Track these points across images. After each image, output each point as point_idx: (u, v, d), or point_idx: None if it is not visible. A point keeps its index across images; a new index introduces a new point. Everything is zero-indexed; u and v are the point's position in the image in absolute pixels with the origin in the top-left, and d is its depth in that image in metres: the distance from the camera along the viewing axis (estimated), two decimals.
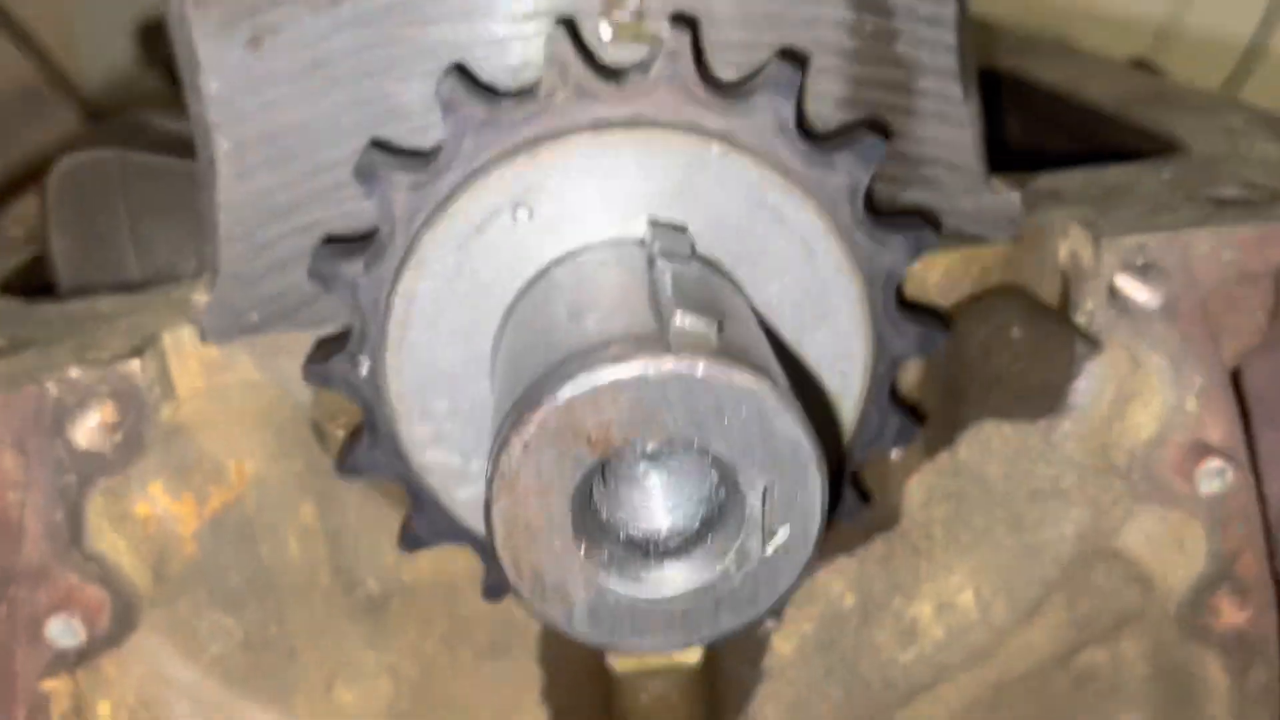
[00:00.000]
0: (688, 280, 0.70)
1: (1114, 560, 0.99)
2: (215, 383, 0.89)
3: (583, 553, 0.68)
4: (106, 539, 0.88)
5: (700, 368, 0.64)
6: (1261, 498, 0.94)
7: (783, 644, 1.00)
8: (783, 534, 0.68)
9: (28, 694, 0.88)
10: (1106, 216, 0.93)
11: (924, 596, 1.00)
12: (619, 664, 0.97)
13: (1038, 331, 0.93)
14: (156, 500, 0.89)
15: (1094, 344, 0.92)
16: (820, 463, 0.67)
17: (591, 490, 0.70)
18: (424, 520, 0.87)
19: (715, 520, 0.70)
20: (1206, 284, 0.89)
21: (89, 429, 0.84)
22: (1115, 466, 0.95)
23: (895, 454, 0.95)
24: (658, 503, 0.72)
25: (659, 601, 0.69)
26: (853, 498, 0.92)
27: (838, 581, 0.99)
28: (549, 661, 0.99)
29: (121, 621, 0.89)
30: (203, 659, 0.94)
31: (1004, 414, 0.94)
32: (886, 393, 0.88)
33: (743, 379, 0.65)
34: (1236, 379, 0.96)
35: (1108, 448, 0.95)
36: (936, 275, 0.93)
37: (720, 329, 0.66)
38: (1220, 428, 0.92)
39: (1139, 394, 0.94)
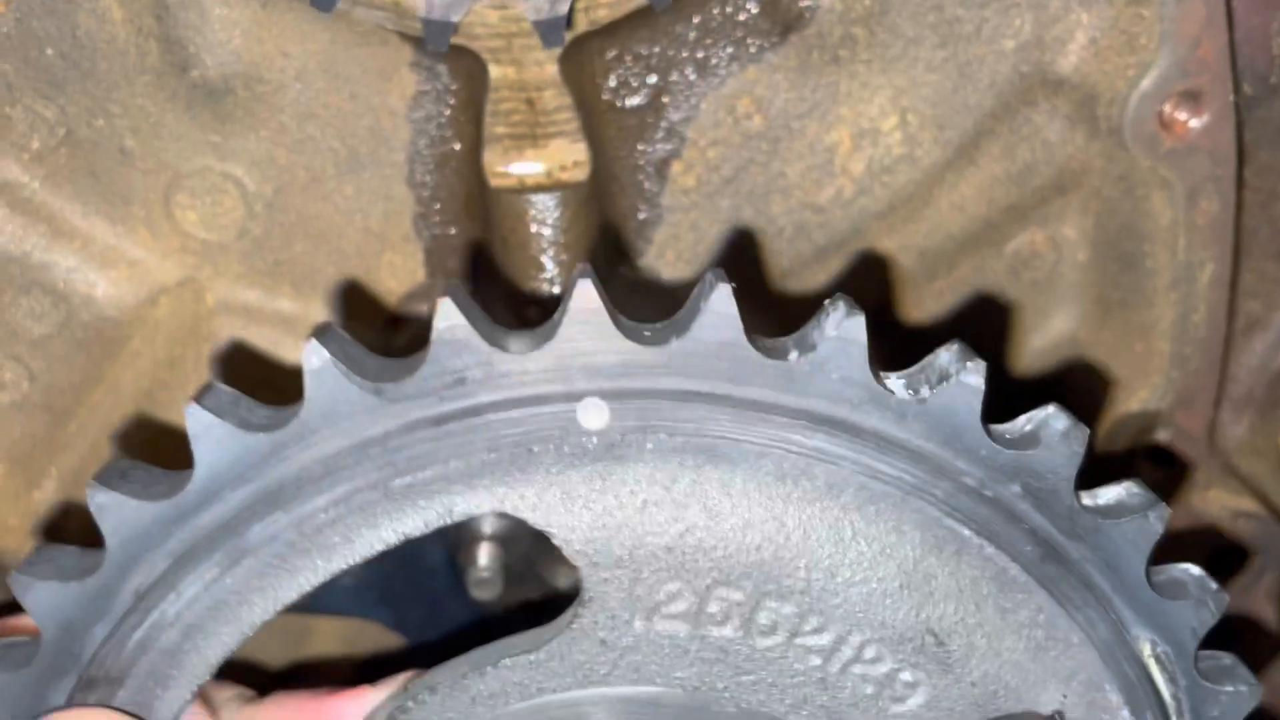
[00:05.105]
0: None
1: (1056, 95, 0.88)
2: None
3: None
4: None
5: None
6: None
7: (684, 176, 0.90)
8: None
9: None
10: None
11: (843, 121, 0.89)
12: (496, 180, 0.86)
13: None
14: None
15: None
16: None
17: None
18: None
19: None
20: None
21: None
22: None
23: None
24: None
25: None
26: None
27: (744, 99, 0.87)
28: (419, 184, 0.88)
29: None
30: (22, 156, 0.84)
31: None
32: None
33: None
34: None
35: None
36: None
37: None
38: None
39: None
